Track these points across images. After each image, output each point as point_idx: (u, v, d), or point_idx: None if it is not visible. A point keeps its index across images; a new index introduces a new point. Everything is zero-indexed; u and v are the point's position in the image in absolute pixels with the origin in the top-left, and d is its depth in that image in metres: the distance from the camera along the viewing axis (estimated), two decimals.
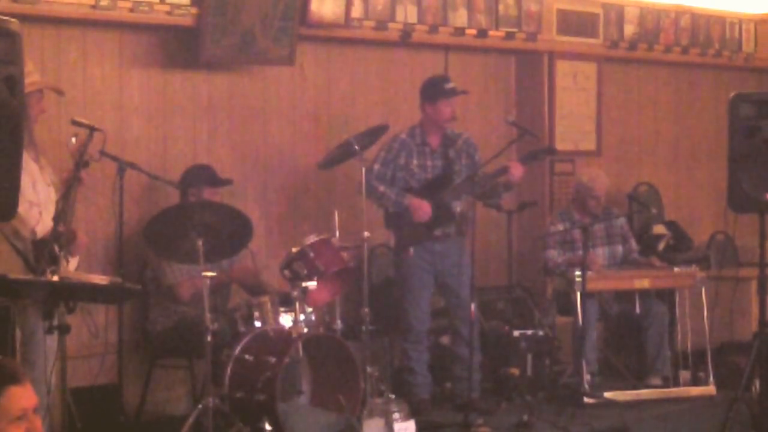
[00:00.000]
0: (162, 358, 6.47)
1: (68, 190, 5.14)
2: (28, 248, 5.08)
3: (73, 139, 5.29)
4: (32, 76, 5.30)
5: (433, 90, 6.83)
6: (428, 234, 6.75)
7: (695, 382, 7.43)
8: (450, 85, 6.88)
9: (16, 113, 3.83)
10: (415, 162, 6.80)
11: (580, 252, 7.26)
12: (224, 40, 6.69)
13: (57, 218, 4.95)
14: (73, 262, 5.28)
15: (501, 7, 8.10)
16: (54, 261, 4.91)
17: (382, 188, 6.72)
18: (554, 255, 7.56)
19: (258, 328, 6.03)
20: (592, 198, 7.61)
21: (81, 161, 5.30)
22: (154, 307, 6.45)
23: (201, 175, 6.53)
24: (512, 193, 8.31)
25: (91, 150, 5.33)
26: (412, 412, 6.00)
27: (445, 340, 7.21)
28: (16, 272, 4.88)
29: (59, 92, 5.69)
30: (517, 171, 6.80)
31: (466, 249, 6.85)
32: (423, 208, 6.69)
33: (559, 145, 8.50)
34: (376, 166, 6.76)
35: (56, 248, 4.95)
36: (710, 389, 7.28)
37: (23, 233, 5.06)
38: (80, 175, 5.23)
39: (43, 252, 4.92)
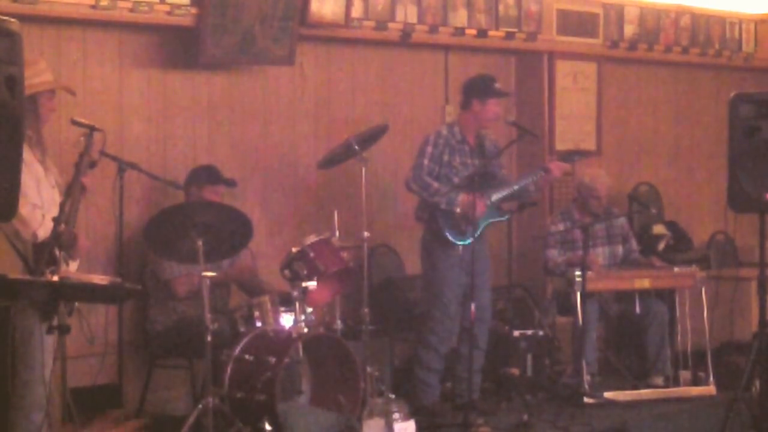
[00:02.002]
0: (162, 358, 6.48)
1: (68, 192, 5.14)
2: (28, 250, 5.08)
3: (82, 139, 5.30)
4: (45, 75, 5.29)
5: (485, 88, 6.79)
6: (475, 232, 6.67)
7: (695, 382, 7.44)
8: (498, 84, 6.88)
9: (16, 113, 3.83)
10: (458, 160, 6.72)
11: (580, 252, 7.27)
12: (224, 40, 6.69)
13: (57, 219, 4.95)
14: (74, 266, 5.28)
15: (501, 7, 8.10)
16: (53, 262, 4.91)
17: (436, 185, 6.61)
18: (554, 255, 7.56)
19: (258, 328, 6.03)
20: (593, 198, 7.61)
21: (82, 163, 5.31)
22: (154, 307, 6.46)
23: (202, 174, 6.54)
24: None
25: (91, 150, 5.34)
26: (430, 414, 6.18)
27: None
28: (15, 273, 4.88)
29: (71, 92, 5.69)
30: (558, 170, 6.87)
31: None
32: (477, 206, 6.55)
33: (559, 145, 8.51)
34: (425, 162, 6.65)
35: (56, 249, 4.95)
36: (710, 389, 7.28)
37: (24, 235, 5.06)
38: (84, 180, 5.24)
39: (43, 254, 4.92)
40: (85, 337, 5.25)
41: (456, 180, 6.66)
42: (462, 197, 6.57)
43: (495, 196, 6.75)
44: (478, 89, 6.80)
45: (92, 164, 5.44)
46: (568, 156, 7.07)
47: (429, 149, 6.69)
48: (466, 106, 6.83)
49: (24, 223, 5.02)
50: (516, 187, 6.88)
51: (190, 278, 6.26)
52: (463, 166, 6.73)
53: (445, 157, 6.70)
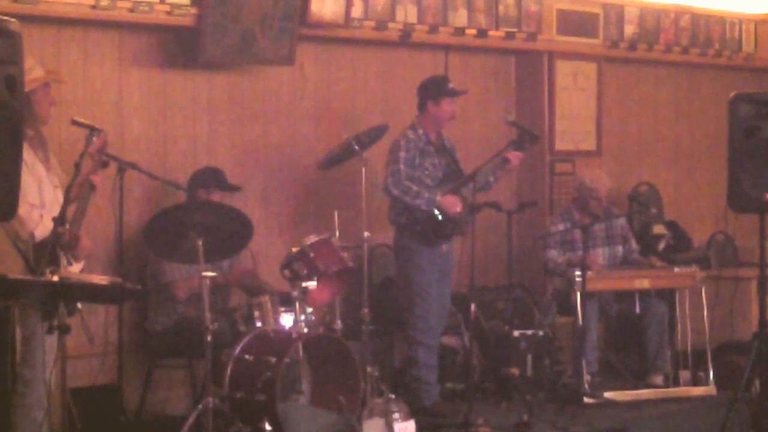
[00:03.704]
0: (162, 358, 6.47)
1: (68, 192, 5.14)
2: (29, 250, 5.08)
3: (94, 139, 5.31)
4: (35, 72, 5.29)
5: (437, 89, 6.82)
6: (455, 231, 6.73)
7: (695, 382, 7.44)
8: (451, 84, 6.89)
9: (16, 113, 3.83)
10: (428, 161, 6.75)
11: (581, 252, 7.27)
12: (224, 40, 6.69)
13: (58, 220, 4.94)
14: (77, 267, 5.27)
15: (501, 7, 8.10)
16: (54, 262, 4.90)
17: (415, 187, 6.62)
18: (554, 255, 7.56)
19: (258, 328, 6.03)
20: (593, 199, 7.61)
21: (93, 163, 5.33)
22: (154, 307, 6.45)
23: (210, 178, 6.54)
24: (512, 193, 8.34)
25: (92, 150, 5.36)
26: (430, 414, 6.22)
27: (444, 339, 7.19)
28: (16, 273, 4.88)
29: (62, 81, 5.67)
30: (516, 159, 6.92)
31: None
32: (456, 202, 6.64)
33: (559, 145, 8.51)
34: (401, 167, 6.65)
35: (56, 249, 4.95)
36: (710, 389, 7.28)
37: (22, 235, 5.05)
38: (94, 179, 5.26)
39: (44, 254, 4.92)
40: (86, 336, 5.24)
41: (428, 181, 6.70)
42: (440, 198, 6.63)
43: (466, 192, 6.75)
44: (430, 91, 6.84)
45: (105, 164, 5.47)
46: (521, 143, 7.06)
47: (402, 154, 6.70)
48: (422, 108, 6.85)
49: (21, 223, 5.01)
50: (482, 180, 6.86)
51: (191, 282, 6.25)
52: (432, 167, 6.77)
53: (417, 160, 6.73)
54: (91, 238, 5.81)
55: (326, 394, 6.10)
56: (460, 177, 6.79)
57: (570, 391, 7.12)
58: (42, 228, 5.10)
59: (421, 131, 6.81)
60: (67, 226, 5.14)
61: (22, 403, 5.13)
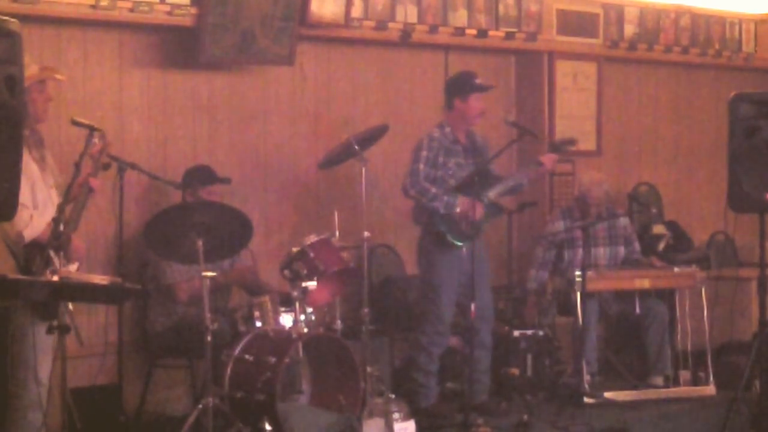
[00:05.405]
0: (162, 358, 6.48)
1: (68, 192, 5.13)
2: (20, 250, 5.06)
3: (95, 140, 5.30)
4: (29, 69, 5.26)
5: (464, 85, 6.76)
6: (476, 232, 6.67)
7: (695, 382, 7.44)
8: (479, 80, 6.84)
9: (16, 113, 3.83)
10: (452, 161, 6.69)
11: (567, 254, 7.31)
12: (224, 40, 6.69)
13: (57, 220, 4.94)
14: (72, 268, 5.26)
15: (501, 7, 8.10)
16: (48, 263, 4.89)
17: (433, 189, 6.57)
18: (535, 276, 7.62)
19: (258, 328, 6.03)
20: (584, 203, 7.60)
21: (81, 162, 5.31)
22: (154, 307, 6.46)
23: (196, 175, 6.54)
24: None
25: (93, 152, 5.36)
26: (430, 415, 6.22)
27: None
28: (7, 272, 4.87)
29: (59, 77, 5.67)
30: (550, 162, 6.91)
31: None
32: (477, 209, 6.55)
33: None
34: (421, 167, 6.60)
35: (51, 251, 4.93)
36: (710, 389, 7.28)
37: (11, 235, 5.04)
38: (93, 181, 5.25)
39: (42, 254, 4.91)
40: (76, 338, 5.21)
41: (452, 182, 6.66)
42: (461, 200, 6.58)
43: (491, 194, 6.74)
44: (457, 87, 6.78)
45: (106, 166, 5.46)
46: (559, 146, 7.06)
47: (424, 153, 6.64)
48: (449, 106, 6.80)
49: (10, 223, 5.00)
50: (511, 183, 6.87)
51: (192, 283, 6.25)
52: (457, 166, 6.72)
53: (440, 160, 6.67)
54: (91, 238, 5.83)
55: (326, 394, 6.10)
56: (489, 178, 6.72)
57: (570, 391, 7.12)
58: (31, 228, 5.07)
59: (448, 129, 6.73)
60: (61, 227, 5.12)
61: (18, 405, 5.11)
